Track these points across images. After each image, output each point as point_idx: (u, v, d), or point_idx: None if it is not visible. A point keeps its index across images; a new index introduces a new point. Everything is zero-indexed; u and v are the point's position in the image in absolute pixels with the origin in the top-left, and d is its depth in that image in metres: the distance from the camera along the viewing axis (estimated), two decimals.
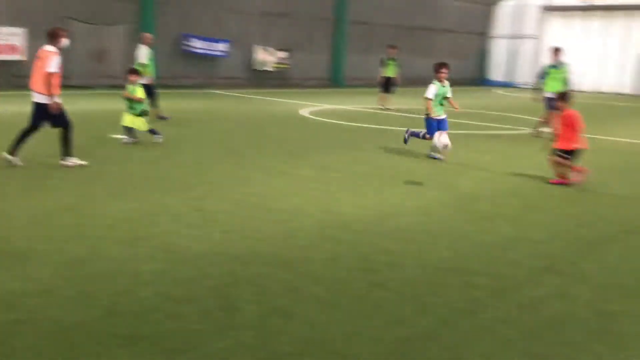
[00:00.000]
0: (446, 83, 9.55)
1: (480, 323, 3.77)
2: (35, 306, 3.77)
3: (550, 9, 36.23)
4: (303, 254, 4.91)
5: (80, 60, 20.91)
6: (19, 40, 19.64)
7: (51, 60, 7.46)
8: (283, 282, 4.30)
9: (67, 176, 7.40)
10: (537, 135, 12.33)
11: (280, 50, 27.38)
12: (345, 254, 4.97)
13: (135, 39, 22.43)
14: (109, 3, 21.89)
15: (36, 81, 7.55)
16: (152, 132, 9.97)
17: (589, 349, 3.46)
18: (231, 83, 25.73)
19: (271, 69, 27.22)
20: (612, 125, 16.19)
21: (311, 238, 5.34)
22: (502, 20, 38.45)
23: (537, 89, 13.26)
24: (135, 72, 10.27)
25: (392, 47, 18.89)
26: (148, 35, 13.89)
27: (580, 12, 35.21)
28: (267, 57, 27.05)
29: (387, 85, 18.27)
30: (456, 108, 9.67)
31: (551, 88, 12.41)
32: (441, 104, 9.54)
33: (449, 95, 9.58)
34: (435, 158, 9.38)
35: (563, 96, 8.15)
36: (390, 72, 18.20)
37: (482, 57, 38.43)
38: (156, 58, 14.07)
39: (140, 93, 9.95)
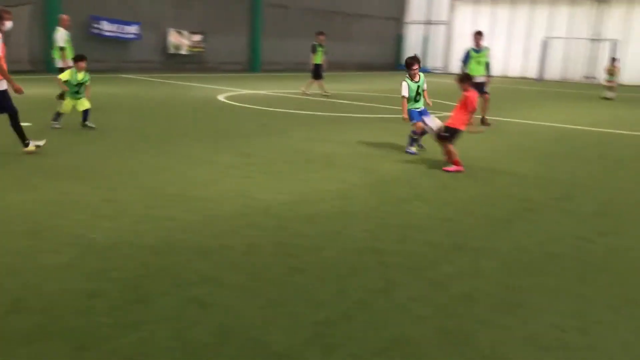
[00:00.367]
0: (419, 77, 9.13)
1: (396, 302, 3.85)
2: None
3: None
4: (221, 242, 4.83)
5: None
6: None
7: None
8: (200, 271, 4.21)
9: None
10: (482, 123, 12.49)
11: (195, 33, 26.74)
12: (264, 240, 4.93)
13: (39, 21, 21.28)
14: None
15: None
16: (86, 114, 10.06)
17: (498, 323, 3.62)
18: (144, 67, 24.89)
19: (186, 53, 26.56)
20: (517, 107, 17.02)
21: (229, 225, 5.26)
22: (416, 6, 39.38)
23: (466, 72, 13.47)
24: (83, 58, 10.15)
25: (321, 33, 18.83)
26: (65, 17, 13.24)
27: (488, 0, 36.63)
28: (181, 41, 26.34)
29: (317, 71, 18.24)
30: (429, 103, 9.40)
31: (474, 72, 12.64)
32: (416, 100, 9.11)
33: (424, 87, 9.19)
34: (411, 153, 8.99)
35: (464, 78, 8.24)
36: (319, 58, 18.20)
37: (398, 42, 39.23)
38: (73, 41, 13.43)
39: (87, 77, 10.16)
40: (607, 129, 13.27)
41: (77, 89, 10.02)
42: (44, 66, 21.06)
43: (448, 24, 38.26)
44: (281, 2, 30.60)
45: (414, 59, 9.13)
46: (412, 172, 7.77)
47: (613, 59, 22.52)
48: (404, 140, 9.74)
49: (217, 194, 6.24)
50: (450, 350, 3.28)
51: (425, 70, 37.06)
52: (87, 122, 10.08)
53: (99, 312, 3.54)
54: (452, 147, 7.98)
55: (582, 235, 5.41)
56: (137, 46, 24.83)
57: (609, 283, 4.32)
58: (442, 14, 38.49)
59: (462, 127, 8.03)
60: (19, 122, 7.68)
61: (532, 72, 35.03)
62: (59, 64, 12.82)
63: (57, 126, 9.91)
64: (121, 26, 23.70)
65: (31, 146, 7.76)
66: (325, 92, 18.11)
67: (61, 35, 12.91)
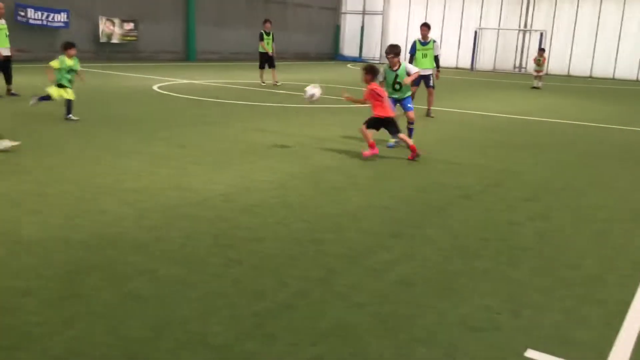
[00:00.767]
0: (398, 66, 8.82)
1: (334, 290, 3.89)
2: None
3: None
4: (156, 234, 4.73)
5: None
6: None
7: None
8: (135, 264, 4.11)
9: None
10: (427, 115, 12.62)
11: (127, 21, 25.95)
12: (201, 231, 4.87)
13: None
14: None
15: None
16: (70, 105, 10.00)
17: (434, 307, 3.72)
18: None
19: (118, 42, 25.75)
20: (452, 97, 17.45)
21: (164, 217, 5.16)
22: None
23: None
24: (72, 46, 10.08)
25: (267, 21, 18.40)
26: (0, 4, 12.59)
27: None
28: (113, 29, 25.50)
29: (264, 60, 17.96)
30: (413, 89, 9.19)
31: (420, 64, 12.58)
32: (394, 89, 8.92)
33: (399, 80, 8.86)
34: (391, 147, 8.93)
35: (369, 70, 8.24)
36: (269, 46, 17.89)
37: (335, 32, 39.37)
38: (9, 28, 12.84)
39: (78, 65, 10.11)
40: (537, 117, 13.81)
41: (65, 76, 9.91)
42: None
43: (383, 14, 38.70)
44: None
45: (390, 47, 8.95)
46: (348, 162, 7.84)
47: (541, 50, 23.41)
48: (343, 131, 9.81)
49: (150, 186, 6.10)
50: (388, 335, 3.34)
51: (360, 60, 37.44)
52: (70, 116, 9.95)
53: (30, 310, 3.40)
54: (366, 130, 8.12)
55: (513, 220, 5.62)
56: (66, 35, 23.83)
57: (539, 266, 4.51)
58: (378, 4, 38.89)
59: (390, 114, 8.19)
60: None
61: (465, 63, 35.98)
62: None
63: (34, 103, 10.02)
64: (48, 14, 22.69)
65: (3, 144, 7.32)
66: (271, 82, 17.88)
67: None
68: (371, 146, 8.10)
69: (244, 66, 25.41)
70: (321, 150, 8.52)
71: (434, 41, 12.97)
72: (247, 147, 8.46)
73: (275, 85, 17.58)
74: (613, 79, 31.80)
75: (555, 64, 32.93)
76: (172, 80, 18.17)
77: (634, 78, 31.83)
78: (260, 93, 16.12)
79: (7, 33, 12.88)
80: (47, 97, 9.92)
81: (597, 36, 32.62)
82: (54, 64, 9.94)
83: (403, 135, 8.28)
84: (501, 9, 35.20)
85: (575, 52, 33.29)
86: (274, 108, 13.04)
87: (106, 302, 3.56)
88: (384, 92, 8.31)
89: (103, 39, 25.13)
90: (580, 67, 33.19)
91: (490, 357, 3.19)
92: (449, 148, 9.25)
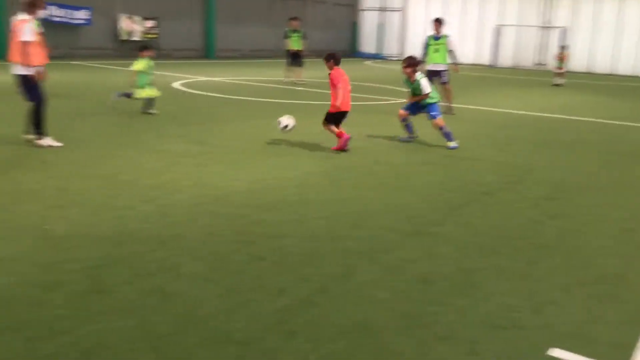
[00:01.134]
0: (413, 79, 8.76)
1: (354, 287, 3.91)
2: None
3: None
4: (178, 231, 4.79)
5: None
6: None
7: (24, 28, 6.99)
8: (158, 260, 4.17)
9: None
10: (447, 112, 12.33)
11: (148, 19, 26.15)
12: (222, 228, 4.92)
13: None
14: None
15: (14, 53, 7.11)
16: (151, 103, 10.64)
17: (454, 304, 3.72)
18: (96, 54, 24.23)
19: (139, 39, 25.95)
20: (471, 94, 17.33)
21: (186, 214, 5.22)
22: None
23: (422, 61, 12.86)
24: (148, 48, 10.61)
25: (295, 19, 18.13)
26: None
27: None
28: (133, 27, 25.72)
29: (292, 58, 17.74)
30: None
31: (432, 59, 12.58)
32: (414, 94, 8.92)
33: (418, 93, 8.87)
34: (403, 141, 9.03)
35: (328, 56, 8.20)
36: (295, 44, 17.59)
37: (352, 29, 39.29)
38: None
39: (139, 66, 10.47)
40: (558, 114, 13.67)
41: (146, 77, 10.42)
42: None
43: (402, 10, 38.52)
44: None
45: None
46: (368, 160, 7.85)
47: (562, 47, 23.14)
48: (363, 129, 9.82)
49: (171, 183, 6.17)
50: (409, 333, 3.36)
51: (379, 57, 37.34)
52: (151, 110, 10.53)
53: (56, 304, 3.48)
54: (332, 127, 8.17)
55: (534, 218, 5.59)
56: (88, 32, 24.15)
57: (560, 264, 4.49)
58: (396, 0, 38.70)
59: (345, 108, 8.15)
60: (41, 113, 7.48)
61: (484, 59, 35.69)
62: None
63: (154, 112, 10.48)
64: (70, 11, 22.96)
65: (45, 142, 7.50)
66: (293, 79, 17.72)
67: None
68: (340, 135, 8.10)
69: (263, 63, 25.49)
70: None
71: (447, 36, 12.78)
72: (267, 144, 8.50)
73: (296, 84, 17.49)
74: (637, 76, 31.31)
75: (577, 61, 32.52)
76: (192, 78, 18.29)
77: None
78: (280, 90, 16.16)
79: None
80: (129, 95, 10.49)
81: (620, 32, 32.14)
82: (137, 66, 10.39)
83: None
84: (521, 5, 34.84)
85: (597, 49, 32.86)
86: (294, 105, 13.07)
87: (131, 297, 3.62)
88: (336, 78, 8.09)
89: (123, 37, 25.36)
90: (602, 64, 32.75)
91: (513, 355, 3.19)
92: (469, 145, 9.20)
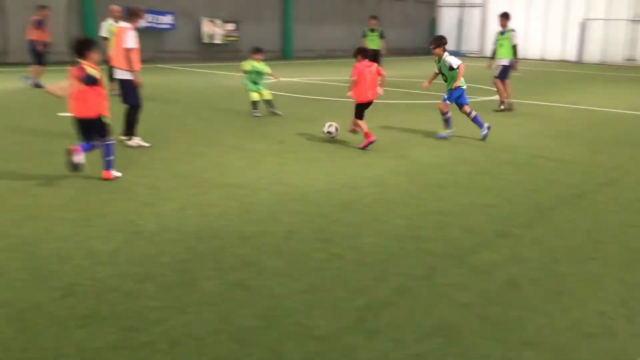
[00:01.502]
0: (438, 58, 9.00)
1: (437, 289, 3.86)
2: None
3: None
4: (260, 228, 4.89)
5: (17, 37, 19.97)
6: None
7: (127, 35, 7.60)
8: (241, 256, 4.28)
9: (9, 157, 7.13)
10: (508, 109, 12.15)
11: (228, 22, 26.86)
12: (302, 226, 4.98)
13: (76, 12, 21.66)
14: None
15: (117, 58, 7.72)
16: (270, 103, 10.95)
17: (542, 310, 3.60)
18: (179, 57, 25.14)
19: (220, 42, 26.72)
20: (556, 91, 16.65)
21: (267, 211, 5.33)
22: None
23: (491, 57, 12.92)
24: (260, 51, 10.84)
25: (374, 17, 18.05)
26: (115, 8, 13.51)
27: None
28: (215, 30, 26.49)
29: (370, 58, 17.72)
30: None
31: (499, 55, 12.42)
32: (445, 81, 9.12)
33: (443, 71, 9.06)
34: (441, 137, 9.07)
35: (356, 52, 8.37)
36: (373, 44, 17.28)
37: (431, 26, 38.69)
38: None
39: (267, 68, 10.81)
40: None
41: (255, 79, 10.70)
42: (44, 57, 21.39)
43: (483, 6, 37.53)
44: None
45: (432, 41, 9.17)
46: (449, 158, 7.71)
47: None
48: (440, 127, 9.66)
49: (253, 181, 6.31)
50: (494, 337, 3.27)
51: (458, 54, 36.55)
52: (274, 110, 10.86)
53: (149, 295, 3.65)
54: (360, 122, 8.20)
55: (628, 222, 5.30)
56: (172, 36, 25.08)
57: None
58: None
59: (364, 99, 8.18)
60: (137, 116, 7.95)
61: (570, 55, 34.16)
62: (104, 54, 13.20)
63: (257, 114, 10.57)
64: (156, 16, 23.93)
65: (134, 142, 7.93)
66: None
67: (104, 26, 13.23)
68: (367, 135, 8.13)
69: (339, 63, 25.55)
70: (420, 146, 8.44)
71: (512, 30, 12.52)
72: (345, 143, 8.52)
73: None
74: None
75: None
76: (270, 79, 18.61)
77: None
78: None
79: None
80: (254, 103, 10.72)
81: None
82: (244, 65, 10.75)
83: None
84: None
85: None
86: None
87: (216, 290, 3.74)
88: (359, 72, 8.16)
89: (206, 40, 26.18)
90: None
91: None
92: (557, 144, 8.85)
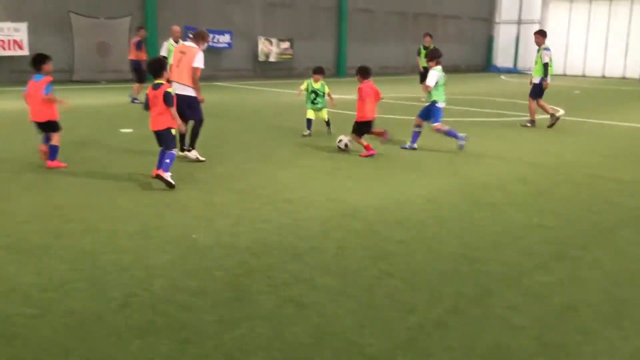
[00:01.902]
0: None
1: (491, 311, 3.78)
2: (51, 300, 3.81)
3: None
4: (312, 244, 4.92)
5: (82, 55, 20.92)
6: (21, 36, 19.64)
7: (198, 56, 8.09)
8: (294, 272, 4.32)
9: (74, 171, 7.43)
10: (553, 123, 11.93)
11: (283, 40, 27.31)
12: (354, 243, 4.98)
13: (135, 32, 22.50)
14: None
15: (182, 75, 8.06)
16: (327, 123, 10.95)
17: (601, 335, 3.47)
18: (236, 75, 25.70)
19: (275, 60, 27.17)
20: (618, 110, 16.10)
21: (320, 228, 5.36)
22: (507, 5, 38.21)
23: (441, 53, 12.80)
24: (321, 71, 11.01)
25: (428, 35, 18.02)
26: (176, 28, 14.09)
27: None
28: (270, 48, 26.98)
29: (421, 75, 17.60)
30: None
31: (533, 72, 12.35)
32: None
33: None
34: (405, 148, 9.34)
35: (357, 71, 9.05)
36: (424, 61, 17.71)
37: (488, 43, 38.23)
38: None
39: (326, 88, 10.90)
40: None
41: (312, 98, 10.82)
42: (145, 76, 22.19)
43: (541, 22, 36.81)
44: (367, 6, 30.63)
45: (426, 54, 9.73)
46: (505, 177, 7.56)
47: None
48: (498, 145, 9.51)
49: (305, 197, 6.36)
50: None
51: (516, 71, 35.91)
52: (329, 130, 10.89)
53: (203, 308, 3.72)
54: (359, 139, 8.73)
55: None
56: (229, 55, 25.68)
57: None
58: (535, 13, 37.07)
59: (369, 117, 8.71)
60: (200, 130, 8.29)
61: (634, 73, 32.99)
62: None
63: (305, 134, 10.52)
64: (215, 35, 24.56)
65: (193, 154, 8.24)
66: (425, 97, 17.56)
67: (165, 45, 13.82)
68: (367, 148, 8.67)
69: (392, 80, 25.51)
70: (475, 165, 8.31)
71: (544, 49, 12.23)
72: (399, 160, 8.49)
73: (423, 100, 17.27)
74: None
75: None
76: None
77: None
78: (408, 107, 16.09)
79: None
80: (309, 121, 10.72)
81: None
82: (303, 86, 10.91)
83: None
84: None
85: None
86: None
87: (268, 305, 3.78)
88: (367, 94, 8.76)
89: (261, 58, 26.69)
90: None
91: None
92: (616, 164, 8.55)
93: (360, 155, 8.63)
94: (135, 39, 15.47)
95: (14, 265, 4.37)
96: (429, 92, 9.23)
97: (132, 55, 15.44)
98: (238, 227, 5.34)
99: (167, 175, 6.64)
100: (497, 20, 38.55)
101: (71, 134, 8.44)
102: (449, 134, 9.23)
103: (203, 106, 8.39)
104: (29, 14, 19.87)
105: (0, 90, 17.82)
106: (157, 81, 6.77)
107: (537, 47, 12.53)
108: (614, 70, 33.51)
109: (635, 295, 4.04)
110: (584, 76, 33.49)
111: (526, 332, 3.49)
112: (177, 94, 7.91)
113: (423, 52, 17.75)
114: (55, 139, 7.54)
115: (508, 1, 38.13)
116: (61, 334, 3.39)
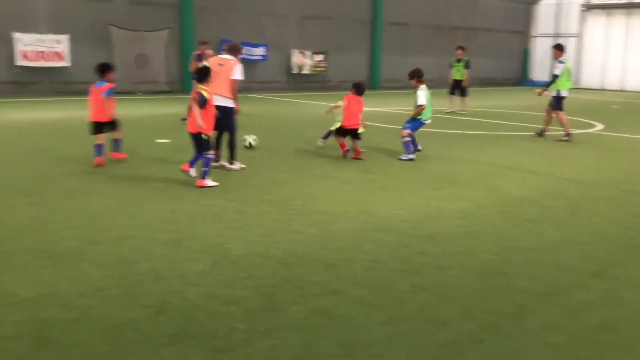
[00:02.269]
0: (417, 93, 9.80)
1: (526, 328, 3.70)
2: (87, 305, 3.88)
3: (591, 7, 35.44)
4: (344, 256, 4.91)
5: (121, 67, 21.39)
6: (62, 47, 20.20)
7: (237, 68, 8.34)
8: (325, 283, 4.32)
9: (111, 180, 7.59)
10: (539, 134, 12.43)
11: (317, 53, 27.49)
12: (386, 255, 4.95)
13: (176, 45, 22.94)
14: (149, 10, 22.34)
15: (220, 86, 8.22)
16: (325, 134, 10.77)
17: None
18: (270, 87, 25.95)
19: (309, 72, 27.35)
20: None
21: (351, 240, 5.35)
22: (543, 18, 37.75)
23: (422, 73, 12.48)
24: (356, 87, 10.76)
25: (461, 48, 17.98)
26: (209, 52, 14.39)
27: (622, 10, 34.28)
28: (304, 61, 27.18)
29: (453, 87, 17.61)
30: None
31: (554, 86, 12.42)
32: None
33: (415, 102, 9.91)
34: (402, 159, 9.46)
35: (353, 87, 9.75)
36: (459, 74, 17.43)
37: (523, 56, 37.81)
38: None
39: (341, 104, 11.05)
40: None
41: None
42: (181, 87, 22.61)
43: (578, 36, 36.27)
44: (402, 19, 30.65)
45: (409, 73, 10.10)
46: (540, 192, 7.43)
47: None
48: (534, 159, 9.36)
49: (338, 209, 6.36)
50: None
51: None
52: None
53: (235, 317, 3.74)
54: (340, 139, 9.53)
55: None
56: (264, 67, 25.95)
57: None
58: (572, 26, 36.54)
59: (353, 126, 9.43)
60: (235, 141, 8.51)
61: None
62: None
63: (319, 143, 10.20)
64: (250, 48, 24.87)
65: (236, 166, 8.46)
66: (462, 109, 17.41)
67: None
68: (342, 146, 9.44)
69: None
70: (510, 179, 8.19)
71: (558, 61, 12.44)
72: (432, 173, 8.43)
73: (455, 113, 17.18)
74: None
75: None
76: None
77: None
78: (445, 120, 15.99)
79: None
80: (328, 135, 10.45)
81: None
82: (340, 103, 10.60)
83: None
84: None
85: None
86: (458, 135, 12.85)
87: (299, 316, 3.78)
88: (348, 102, 9.50)
89: (295, 70, 26.90)
90: None
91: None
92: None
93: (352, 157, 9.36)
94: (197, 52, 15.76)
95: (51, 270, 4.48)
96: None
97: (194, 67, 15.71)
98: (270, 237, 5.37)
99: (207, 182, 7.20)
100: (533, 33, 38.11)
101: (108, 143, 8.63)
102: (406, 144, 9.54)
103: (237, 117, 8.52)
104: (70, 26, 20.46)
105: (41, 101, 18.36)
106: (200, 87, 7.34)
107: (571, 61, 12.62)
108: None
109: None
110: (622, 90, 32.80)
111: (562, 350, 3.41)
112: (216, 105, 8.04)
113: (455, 64, 17.69)
114: (118, 134, 8.64)
115: (545, 14, 37.67)
116: (96, 339, 3.45)
